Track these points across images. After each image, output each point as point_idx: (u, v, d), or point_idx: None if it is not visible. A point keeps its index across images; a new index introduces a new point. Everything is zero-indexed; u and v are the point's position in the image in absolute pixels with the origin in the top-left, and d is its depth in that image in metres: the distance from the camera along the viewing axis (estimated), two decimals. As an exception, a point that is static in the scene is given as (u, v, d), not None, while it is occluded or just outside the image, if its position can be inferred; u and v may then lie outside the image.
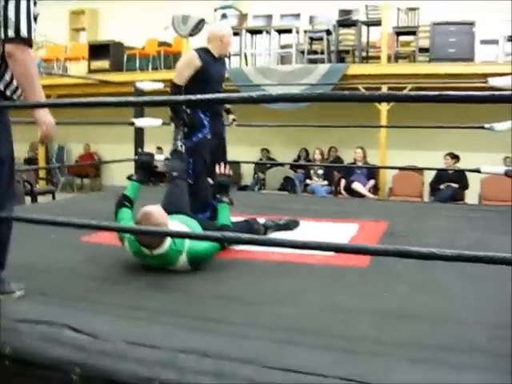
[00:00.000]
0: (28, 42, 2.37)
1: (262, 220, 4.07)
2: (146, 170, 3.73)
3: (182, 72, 4.08)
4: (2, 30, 2.33)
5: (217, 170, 3.72)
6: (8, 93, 2.52)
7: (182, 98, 2.15)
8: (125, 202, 3.44)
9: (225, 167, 3.73)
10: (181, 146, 4.04)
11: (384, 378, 1.71)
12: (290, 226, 4.18)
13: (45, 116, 2.57)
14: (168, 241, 2.92)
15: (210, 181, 3.92)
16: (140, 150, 3.68)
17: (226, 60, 4.54)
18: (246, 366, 1.79)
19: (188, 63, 4.10)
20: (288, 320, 2.27)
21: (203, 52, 4.12)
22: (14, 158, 2.62)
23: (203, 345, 1.95)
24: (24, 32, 2.35)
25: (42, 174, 11.28)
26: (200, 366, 1.81)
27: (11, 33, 2.33)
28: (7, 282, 2.51)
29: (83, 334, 2.03)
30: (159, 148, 9.99)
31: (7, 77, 2.48)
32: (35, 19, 2.45)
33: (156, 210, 2.99)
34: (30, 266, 3.08)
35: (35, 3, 2.46)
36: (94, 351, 1.92)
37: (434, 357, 1.90)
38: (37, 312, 2.27)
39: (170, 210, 3.31)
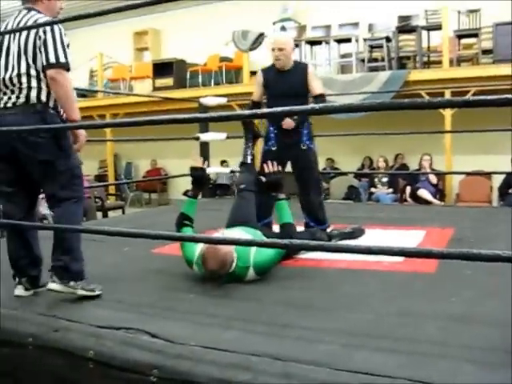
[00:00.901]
0: (66, 67, 2.73)
1: (327, 230, 4.12)
2: (199, 185, 3.79)
3: (254, 89, 4.42)
4: (44, 57, 2.69)
5: (265, 168, 3.71)
6: (60, 111, 2.86)
7: (244, 112, 2.23)
8: (184, 220, 3.47)
9: (272, 165, 3.67)
10: (250, 158, 4.16)
11: (450, 379, 1.73)
12: (356, 234, 4.20)
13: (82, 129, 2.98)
14: (234, 263, 3.01)
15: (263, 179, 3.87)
16: (193, 166, 3.76)
17: (309, 67, 4.31)
18: (315, 369, 1.84)
19: (256, 81, 4.45)
20: (355, 325, 2.32)
21: (267, 68, 4.36)
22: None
23: (274, 349, 2.02)
24: (62, 58, 2.71)
25: (111, 190, 11.66)
26: (271, 368, 1.88)
27: (52, 59, 2.68)
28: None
29: (160, 339, 2.15)
30: (224, 161, 10.17)
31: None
32: (68, 46, 2.78)
33: (222, 246, 3.01)
34: (106, 277, 3.23)
35: (65, 34, 2.80)
36: (171, 354, 2.02)
37: (501, 360, 1.90)
38: (116, 318, 2.41)
39: (236, 222, 3.40)
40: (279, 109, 2.14)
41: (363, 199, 9.23)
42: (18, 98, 2.76)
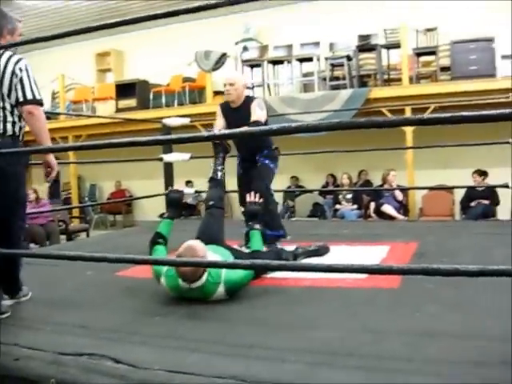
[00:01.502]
0: (41, 103, 3.07)
1: (291, 247, 4.13)
2: (176, 207, 3.85)
3: (217, 121, 4.67)
4: (21, 94, 2.98)
5: (247, 198, 3.83)
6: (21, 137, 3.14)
7: (206, 133, 2.23)
8: (158, 239, 3.54)
9: (255, 195, 3.84)
10: (220, 174, 4.23)
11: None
12: (320, 251, 4.22)
13: (51, 158, 3.21)
14: (205, 273, 3.00)
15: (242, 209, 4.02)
16: (170, 188, 3.84)
17: (254, 100, 4.50)
18: (281, 389, 1.84)
19: (217, 114, 4.68)
20: (321, 343, 2.31)
21: (224, 103, 4.65)
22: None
23: (240, 370, 2.01)
24: (38, 95, 3.04)
25: (75, 212, 11.51)
26: (237, 390, 1.87)
27: (30, 96, 3.00)
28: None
29: (123, 364, 2.11)
30: (189, 182, 10.14)
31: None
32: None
33: (198, 244, 3.10)
34: (69, 302, 3.20)
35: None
36: (135, 380, 1.99)
37: (466, 372, 1.92)
38: (78, 344, 2.36)
39: (204, 240, 3.39)
40: (236, 130, 2.15)
41: (328, 216, 9.29)
42: None
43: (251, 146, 4.54)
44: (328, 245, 4.33)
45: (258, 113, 4.40)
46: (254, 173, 4.51)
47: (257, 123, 4.27)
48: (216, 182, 4.20)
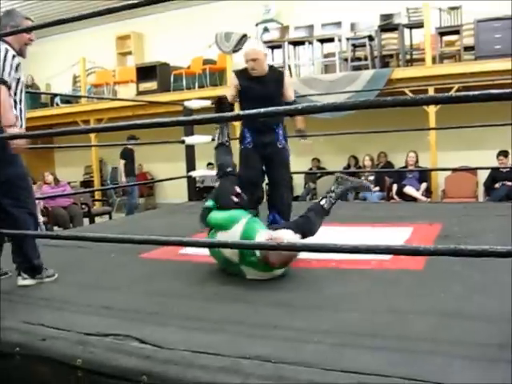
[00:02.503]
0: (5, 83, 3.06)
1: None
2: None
3: (229, 91, 4.39)
4: None
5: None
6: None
7: (228, 114, 2.22)
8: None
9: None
10: (226, 140, 4.11)
11: (442, 376, 1.73)
12: (362, 188, 4.07)
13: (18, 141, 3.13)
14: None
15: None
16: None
17: (286, 75, 4.37)
18: (306, 369, 1.83)
19: (230, 83, 4.48)
20: (345, 324, 2.31)
21: (241, 72, 4.37)
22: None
23: (264, 351, 2.01)
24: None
25: (98, 195, 11.61)
26: (261, 370, 1.87)
27: None
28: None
29: (148, 345, 2.13)
30: (210, 164, 10.15)
31: None
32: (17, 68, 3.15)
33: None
34: (93, 283, 3.23)
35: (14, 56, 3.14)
36: (160, 360, 2.01)
37: (492, 354, 1.91)
38: (103, 325, 2.38)
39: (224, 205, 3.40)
40: (262, 110, 2.13)
41: (350, 198, 9.25)
42: None
43: (272, 120, 4.29)
44: (369, 184, 4.17)
45: (291, 93, 4.36)
46: (273, 155, 4.32)
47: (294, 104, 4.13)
48: (226, 149, 4.07)
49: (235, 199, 3.48)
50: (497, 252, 1.64)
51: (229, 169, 3.85)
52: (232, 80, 4.39)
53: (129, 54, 12.73)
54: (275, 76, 4.29)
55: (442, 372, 1.76)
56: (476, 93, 1.64)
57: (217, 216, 3.31)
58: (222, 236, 3.17)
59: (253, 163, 4.30)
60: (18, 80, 3.19)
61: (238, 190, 3.58)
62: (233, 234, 3.10)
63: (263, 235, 3.09)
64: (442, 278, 2.96)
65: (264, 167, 4.38)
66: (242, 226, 3.15)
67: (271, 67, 4.37)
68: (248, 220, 3.20)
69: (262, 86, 4.20)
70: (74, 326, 2.40)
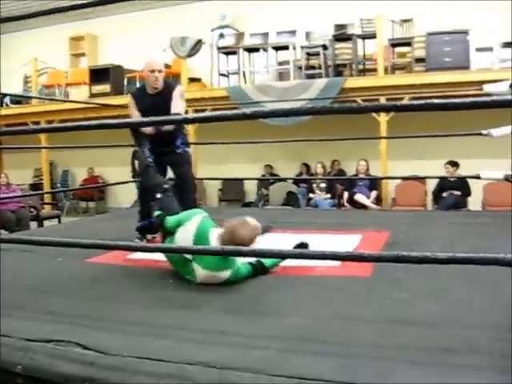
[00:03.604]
0: None
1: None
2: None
3: (131, 113, 4.44)
4: None
5: None
6: None
7: (180, 117, 2.19)
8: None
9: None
10: (150, 161, 4.18)
11: (385, 380, 1.75)
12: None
13: None
14: None
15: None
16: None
17: (176, 91, 4.39)
18: (251, 375, 1.83)
19: (130, 104, 4.46)
20: (291, 330, 2.32)
21: (137, 91, 4.56)
22: None
23: (209, 356, 2.00)
24: None
25: (47, 198, 11.36)
26: (207, 376, 1.86)
27: None
28: None
29: (92, 351, 2.08)
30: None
31: None
32: None
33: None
34: (38, 288, 3.15)
35: None
36: (103, 366, 1.97)
37: (435, 359, 1.94)
38: (46, 331, 2.32)
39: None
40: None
41: (302, 205, 9.32)
42: None
43: (170, 134, 4.41)
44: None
45: (179, 104, 4.36)
46: (175, 159, 4.49)
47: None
48: (154, 169, 4.17)
49: None
50: (438, 259, 1.67)
51: (166, 186, 4.00)
52: (130, 101, 4.43)
53: (82, 56, 12.53)
54: (169, 90, 4.35)
55: (385, 376, 1.79)
56: (420, 102, 1.68)
57: (173, 218, 3.47)
58: (180, 232, 3.30)
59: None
60: None
61: None
62: (190, 228, 3.24)
63: (215, 233, 3.20)
64: (388, 285, 3.01)
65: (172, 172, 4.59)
66: (198, 220, 3.27)
67: (166, 82, 4.45)
68: (202, 218, 3.31)
69: (156, 101, 4.28)
70: (16, 331, 2.33)
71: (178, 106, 4.30)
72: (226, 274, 3.10)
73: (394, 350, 2.06)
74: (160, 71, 4.28)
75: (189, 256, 3.13)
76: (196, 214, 3.38)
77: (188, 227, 3.27)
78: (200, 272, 3.10)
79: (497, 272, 2.37)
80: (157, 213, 3.72)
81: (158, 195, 3.88)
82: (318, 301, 2.79)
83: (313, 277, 3.24)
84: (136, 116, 4.36)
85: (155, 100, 4.29)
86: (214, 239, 3.16)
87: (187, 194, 4.44)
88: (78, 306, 2.77)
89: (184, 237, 3.24)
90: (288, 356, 2.02)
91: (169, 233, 3.48)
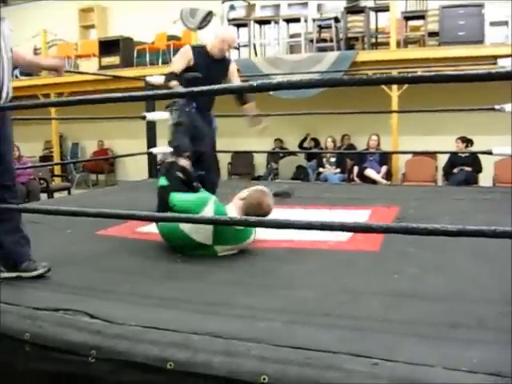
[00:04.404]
0: None
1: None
2: None
3: (178, 61, 4.30)
4: None
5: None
6: None
7: (184, 90, 2.17)
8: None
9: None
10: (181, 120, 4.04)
11: (390, 353, 1.74)
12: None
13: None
14: None
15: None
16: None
17: (233, 66, 4.53)
18: (256, 345, 1.83)
19: (182, 54, 4.31)
20: (298, 302, 2.32)
21: (198, 49, 4.36)
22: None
23: (215, 327, 2.00)
24: None
25: (57, 171, 11.39)
26: (212, 346, 1.85)
27: None
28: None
29: (98, 319, 2.09)
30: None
31: None
32: None
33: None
34: (47, 259, 3.14)
35: None
36: (109, 335, 1.98)
37: (442, 333, 1.94)
38: (54, 300, 2.34)
39: None
40: (222, 86, 2.09)
41: (311, 179, 9.30)
42: None
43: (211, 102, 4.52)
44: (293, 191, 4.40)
45: (237, 79, 4.55)
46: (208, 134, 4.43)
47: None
48: (184, 130, 4.00)
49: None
50: (447, 231, 1.66)
51: (186, 153, 3.79)
52: (187, 53, 4.28)
53: (91, 28, 12.46)
54: (226, 63, 4.43)
55: (391, 349, 1.78)
56: (431, 74, 1.65)
57: (183, 199, 3.28)
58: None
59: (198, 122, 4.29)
60: None
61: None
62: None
63: (233, 210, 3.20)
64: (397, 259, 3.00)
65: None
66: (211, 208, 3.14)
67: None
68: (214, 200, 3.23)
69: (216, 69, 4.26)
70: (24, 300, 2.35)
71: (236, 79, 4.52)
72: (249, 241, 3.18)
73: (402, 324, 2.05)
74: (230, 46, 4.39)
75: (207, 241, 3.08)
76: (206, 203, 3.18)
77: (205, 213, 3.13)
78: (224, 248, 3.13)
79: (506, 247, 2.36)
80: (162, 181, 3.50)
81: (171, 159, 3.73)
82: (327, 274, 2.78)
83: (322, 251, 3.24)
84: (178, 67, 4.24)
85: (211, 65, 4.27)
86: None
87: (209, 172, 4.36)
88: (87, 277, 2.78)
89: (201, 227, 3.06)
90: (294, 328, 2.01)
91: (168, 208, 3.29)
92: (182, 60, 4.28)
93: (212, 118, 4.58)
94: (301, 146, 10.13)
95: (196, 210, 3.10)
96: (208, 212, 3.11)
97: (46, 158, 12.42)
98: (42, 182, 9.20)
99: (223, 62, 4.40)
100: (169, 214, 3.07)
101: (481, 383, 1.56)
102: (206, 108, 4.40)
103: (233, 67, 4.48)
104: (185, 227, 3.06)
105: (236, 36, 4.66)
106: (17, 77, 11.73)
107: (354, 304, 2.29)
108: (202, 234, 3.06)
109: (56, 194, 9.39)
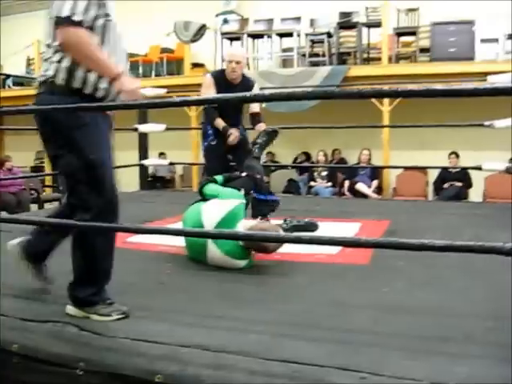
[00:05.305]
0: (78, 23, 2.22)
1: (277, 221, 4.06)
2: None
3: (206, 92, 4.44)
4: (56, 11, 2.27)
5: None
6: (87, 91, 2.34)
7: (177, 99, 2.18)
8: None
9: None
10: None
11: (378, 366, 1.75)
12: (309, 228, 4.18)
13: (123, 85, 2.32)
14: None
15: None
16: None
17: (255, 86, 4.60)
18: (245, 358, 1.83)
19: (206, 84, 4.50)
20: (287, 315, 2.32)
21: (218, 74, 4.53)
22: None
23: (204, 340, 2.00)
24: (77, 15, 2.22)
25: (48, 181, 11.35)
26: (201, 359, 1.86)
27: (66, 13, 2.22)
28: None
29: (88, 332, 2.09)
30: (162, 153, 10.06)
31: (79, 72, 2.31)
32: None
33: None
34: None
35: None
36: (98, 347, 1.98)
37: (430, 347, 1.94)
38: (43, 312, 2.33)
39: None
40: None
41: (303, 193, 9.31)
42: None
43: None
44: (316, 222, 4.29)
45: (258, 105, 4.57)
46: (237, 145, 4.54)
47: (258, 116, 4.50)
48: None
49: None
50: (436, 246, 1.67)
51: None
52: (209, 81, 4.46)
53: (85, 39, 12.45)
54: (247, 85, 4.45)
55: (379, 363, 1.79)
56: (421, 88, 1.67)
57: (218, 188, 3.56)
58: (212, 205, 3.32)
59: (217, 157, 4.56)
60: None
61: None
62: (223, 207, 3.23)
63: (246, 224, 3.23)
64: (386, 273, 3.01)
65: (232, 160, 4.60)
66: (231, 206, 3.25)
67: (244, 76, 4.52)
68: (240, 204, 3.33)
69: (233, 92, 4.23)
70: (13, 311, 2.34)
71: (257, 106, 4.55)
72: (243, 262, 3.14)
73: (390, 337, 2.06)
74: (238, 63, 4.37)
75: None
76: (237, 197, 3.42)
77: (222, 205, 3.27)
78: (217, 255, 3.12)
79: (495, 262, 2.37)
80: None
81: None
82: (316, 287, 2.79)
83: (312, 264, 3.24)
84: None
85: (230, 89, 4.31)
86: (241, 229, 3.17)
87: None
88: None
89: (213, 211, 3.23)
90: (283, 341, 2.02)
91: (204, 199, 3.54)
92: (208, 91, 4.43)
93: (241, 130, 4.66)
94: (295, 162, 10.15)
95: (223, 196, 3.40)
96: (229, 204, 3.27)
97: (37, 169, 12.38)
98: (32, 192, 9.17)
99: (244, 84, 4.43)
100: (160, 227, 3.09)
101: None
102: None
103: (255, 89, 4.52)
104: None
105: (239, 51, 4.63)
106: (9, 86, 11.73)
107: (342, 317, 2.30)
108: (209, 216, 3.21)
109: (47, 205, 9.36)
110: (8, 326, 2.19)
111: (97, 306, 2.33)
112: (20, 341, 2.08)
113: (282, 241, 2.04)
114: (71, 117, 2.29)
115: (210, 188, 3.54)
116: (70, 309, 2.36)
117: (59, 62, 2.29)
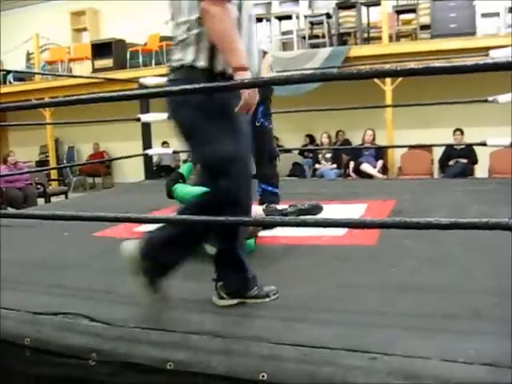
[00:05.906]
0: None
1: (282, 206, 4.05)
2: None
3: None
4: None
5: None
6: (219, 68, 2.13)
7: (176, 88, 2.14)
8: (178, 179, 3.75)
9: None
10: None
11: (386, 347, 1.75)
12: (314, 211, 4.15)
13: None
14: None
15: None
16: None
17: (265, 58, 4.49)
18: (255, 343, 1.84)
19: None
20: (295, 299, 2.33)
21: None
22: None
23: (214, 326, 2.01)
24: None
25: (53, 175, 11.40)
26: (211, 345, 1.87)
27: None
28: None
29: (98, 322, 2.11)
30: (165, 142, 10.07)
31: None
32: None
33: None
34: (45, 262, 3.17)
35: None
36: (109, 337, 1.99)
37: (438, 325, 1.95)
38: (54, 304, 2.34)
39: None
40: (220, 84, 2.08)
41: (308, 175, 9.31)
42: None
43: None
44: (321, 204, 4.26)
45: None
46: (253, 133, 4.44)
47: None
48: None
49: None
50: (441, 224, 1.67)
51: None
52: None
53: (84, 31, 12.46)
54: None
55: (387, 343, 1.79)
56: (421, 66, 1.66)
57: (186, 190, 3.51)
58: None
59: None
60: None
61: None
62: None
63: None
64: (393, 253, 3.01)
65: None
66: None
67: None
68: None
69: None
70: (24, 305, 2.35)
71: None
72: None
73: (398, 317, 2.06)
74: None
75: None
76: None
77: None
78: None
79: (501, 238, 2.37)
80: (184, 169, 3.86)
81: None
82: (323, 270, 2.79)
83: (318, 246, 3.24)
84: None
85: None
86: None
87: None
88: (85, 279, 2.79)
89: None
90: (292, 324, 2.02)
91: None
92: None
93: (257, 114, 4.39)
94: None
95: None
96: None
97: (42, 163, 12.42)
98: (38, 186, 9.21)
99: None
100: (162, 216, 3.11)
101: (477, 374, 1.58)
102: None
103: (264, 60, 4.35)
104: None
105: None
106: (10, 82, 11.73)
107: (350, 299, 2.30)
108: None
109: (53, 199, 9.40)
110: (19, 320, 2.21)
111: (251, 291, 2.30)
112: (32, 334, 2.09)
113: (288, 225, 2.04)
114: (221, 102, 2.10)
115: (181, 190, 3.57)
116: (222, 302, 2.29)
117: (197, 42, 2.11)
